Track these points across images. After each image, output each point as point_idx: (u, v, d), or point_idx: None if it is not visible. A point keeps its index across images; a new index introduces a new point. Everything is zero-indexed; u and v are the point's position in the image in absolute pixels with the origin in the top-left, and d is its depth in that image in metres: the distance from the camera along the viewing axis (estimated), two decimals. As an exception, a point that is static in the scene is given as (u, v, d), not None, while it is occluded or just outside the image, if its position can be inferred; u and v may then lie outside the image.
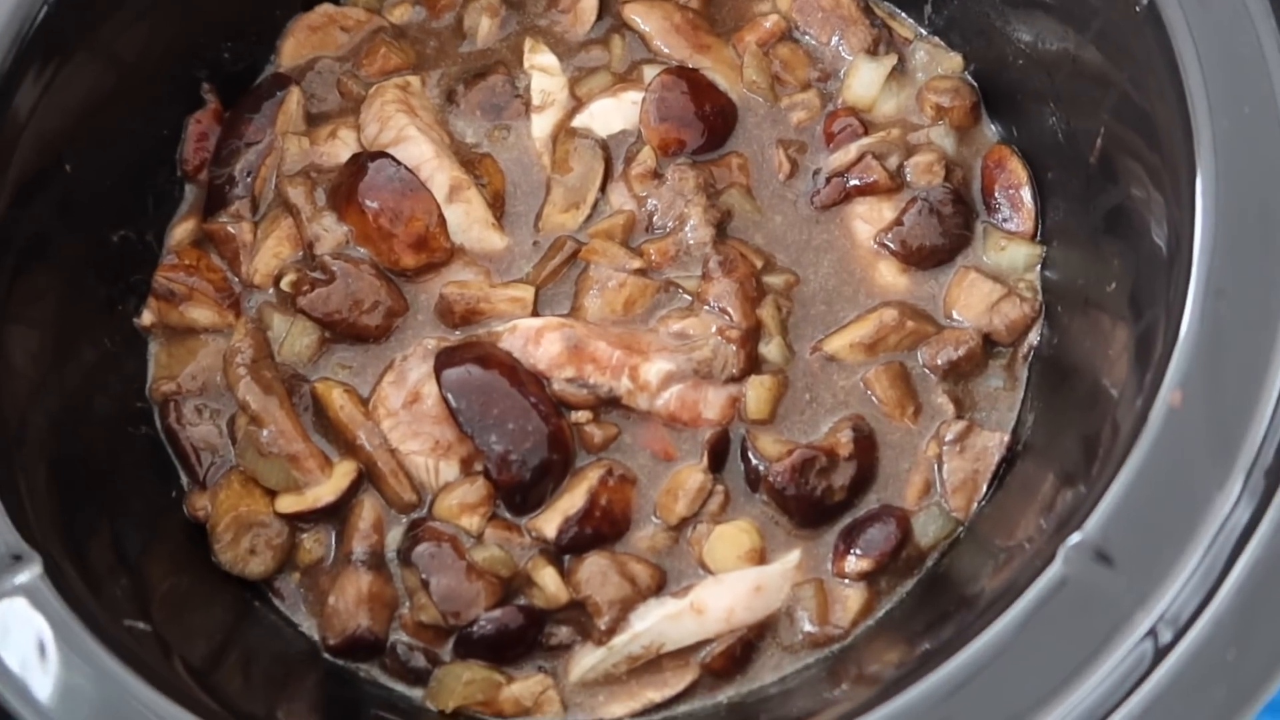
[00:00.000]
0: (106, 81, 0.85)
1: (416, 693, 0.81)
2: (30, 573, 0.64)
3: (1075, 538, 0.59)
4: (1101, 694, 0.55)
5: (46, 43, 0.78)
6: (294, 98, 0.95)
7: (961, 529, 0.83)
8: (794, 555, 0.83)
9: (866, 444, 0.85)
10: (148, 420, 0.88)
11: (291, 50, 0.99)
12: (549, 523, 0.82)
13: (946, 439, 0.84)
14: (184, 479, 0.87)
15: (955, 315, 0.89)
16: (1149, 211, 0.71)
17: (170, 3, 0.87)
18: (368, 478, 0.85)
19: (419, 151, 0.92)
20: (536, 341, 0.86)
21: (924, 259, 0.90)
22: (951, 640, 0.64)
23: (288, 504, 0.84)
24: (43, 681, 0.61)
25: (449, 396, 0.82)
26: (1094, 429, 0.73)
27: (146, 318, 0.90)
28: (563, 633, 0.82)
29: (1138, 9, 0.71)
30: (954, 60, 0.95)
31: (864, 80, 0.95)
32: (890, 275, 0.91)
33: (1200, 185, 0.65)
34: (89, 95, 0.83)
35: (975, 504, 0.83)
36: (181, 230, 0.93)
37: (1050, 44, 0.84)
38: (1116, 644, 0.56)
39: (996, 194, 0.91)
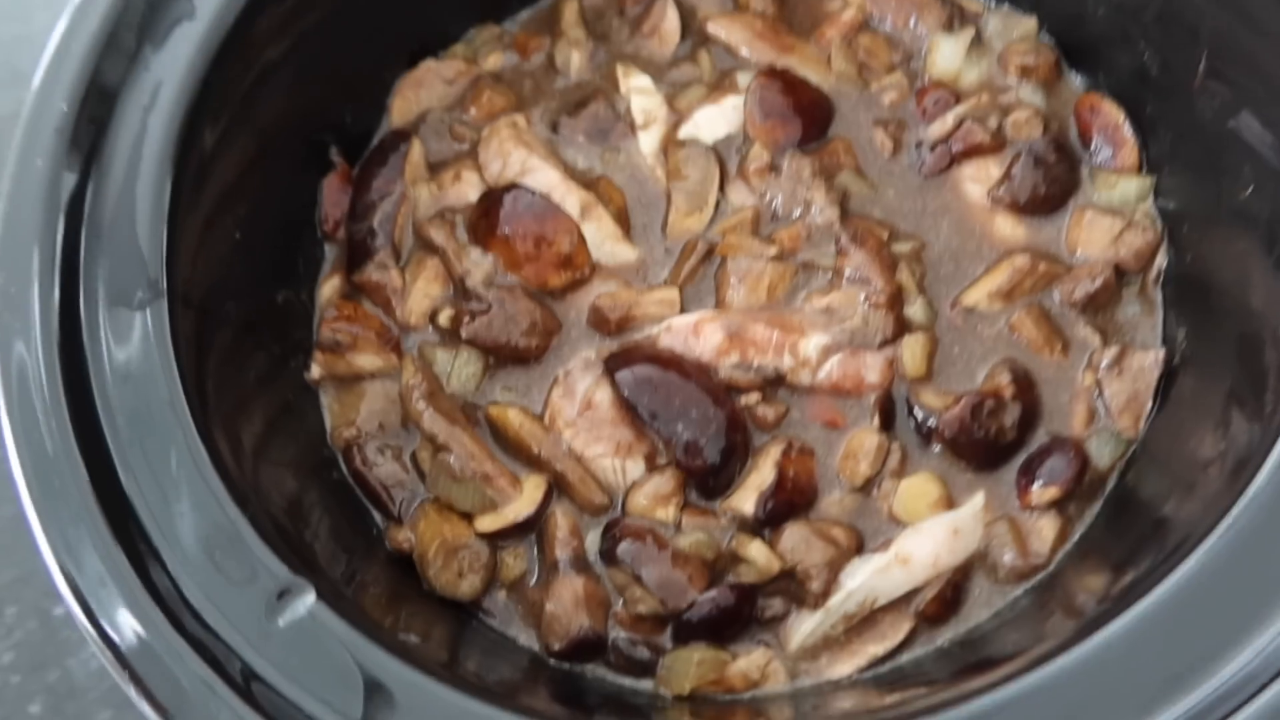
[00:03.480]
0: (255, 151, 0.89)
1: (644, 684, 0.83)
2: (309, 598, 0.66)
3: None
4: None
5: (211, 113, 0.82)
6: (416, 148, 1.00)
7: (1135, 446, 0.87)
8: (979, 497, 0.86)
9: (1026, 383, 0.88)
10: (336, 466, 0.91)
11: (401, 107, 1.04)
12: (745, 500, 0.85)
13: (1103, 365, 0.88)
14: (377, 517, 0.90)
15: (1080, 253, 0.94)
16: (1275, 110, 0.76)
17: (299, 72, 0.92)
18: (557, 488, 0.88)
19: (546, 179, 0.97)
20: (696, 334, 0.90)
21: (1038, 207, 0.95)
22: (1167, 557, 0.67)
23: (488, 523, 0.86)
24: (351, 696, 0.63)
25: (631, 396, 0.86)
26: (1253, 329, 0.77)
27: (315, 371, 0.93)
28: (775, 604, 0.84)
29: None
30: (1028, 24, 1.01)
31: (946, 55, 1.01)
32: (1008, 227, 0.96)
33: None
34: (245, 165, 0.88)
35: (1143, 421, 0.87)
36: (329, 288, 0.97)
37: (1134, -14, 0.89)
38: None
39: (1095, 136, 0.97)
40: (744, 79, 1.02)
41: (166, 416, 0.71)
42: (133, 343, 0.73)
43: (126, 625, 0.64)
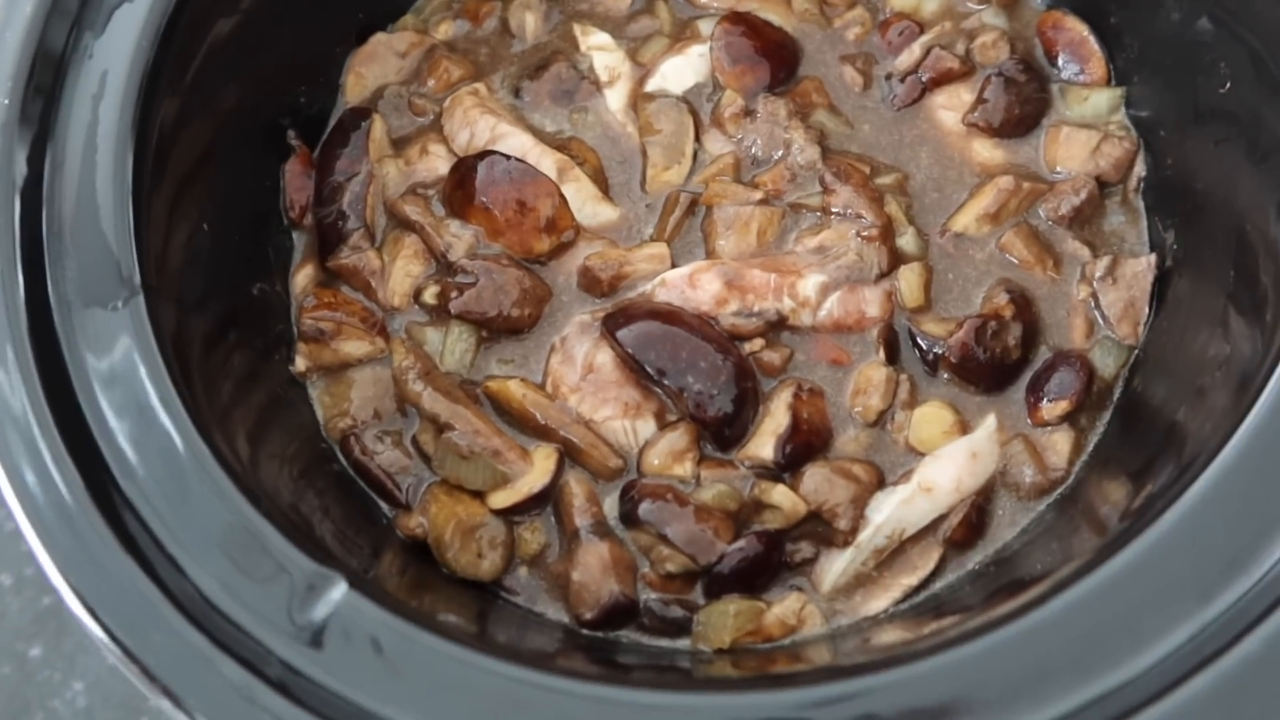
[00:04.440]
0: (212, 137, 0.84)
1: (681, 643, 0.82)
2: (340, 588, 0.63)
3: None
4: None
5: (163, 98, 0.78)
6: (378, 125, 0.96)
7: (1137, 352, 0.88)
8: (991, 419, 0.86)
9: (1023, 301, 0.89)
10: (334, 459, 0.87)
11: (355, 84, 1.00)
12: (763, 447, 0.84)
13: (1097, 276, 0.89)
14: (384, 506, 0.86)
15: (1059, 170, 0.94)
16: (1245, 6, 0.76)
17: (248, 51, 0.87)
18: (568, 456, 0.86)
19: (519, 143, 0.94)
20: (693, 286, 0.88)
21: (1013, 128, 0.95)
22: (1184, 469, 0.68)
23: (502, 499, 0.84)
24: (385, 681, 0.60)
25: (636, 353, 0.84)
26: (1243, 227, 0.78)
27: (300, 363, 0.89)
28: (804, 548, 0.83)
29: None
30: (982, -53, 1.01)
31: (904, -15, 1.01)
32: (986, 151, 0.96)
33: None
34: (203, 153, 0.83)
35: (1142, 327, 0.88)
36: (302, 276, 0.93)
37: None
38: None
39: (1061, 53, 0.97)
40: (705, 26, 1.00)
41: (161, 419, 0.67)
42: (114, 344, 0.69)
43: (154, 640, 0.60)
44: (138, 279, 0.71)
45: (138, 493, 0.65)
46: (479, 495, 0.84)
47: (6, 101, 0.73)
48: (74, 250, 0.71)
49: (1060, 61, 0.97)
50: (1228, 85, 0.80)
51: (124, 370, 0.68)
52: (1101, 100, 0.95)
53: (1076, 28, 0.97)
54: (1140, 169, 0.93)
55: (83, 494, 0.65)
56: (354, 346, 0.89)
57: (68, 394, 0.67)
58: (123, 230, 0.72)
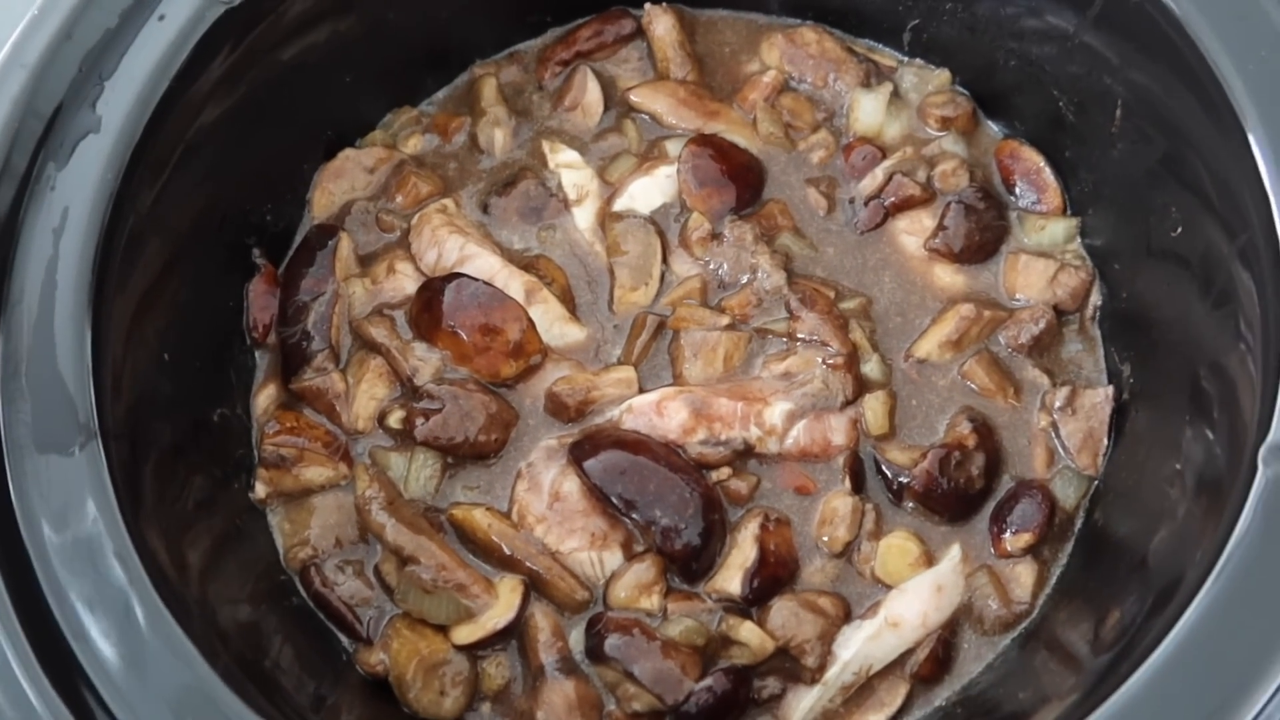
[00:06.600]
0: (175, 263, 0.83)
1: (649, 785, 0.80)
2: (300, 756, 0.61)
3: (1272, 439, 0.65)
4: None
5: (126, 231, 0.77)
6: (345, 243, 0.96)
7: (1097, 483, 0.89)
8: (955, 550, 0.87)
9: (985, 430, 0.90)
10: (293, 591, 0.85)
11: (322, 200, 1.00)
12: (730, 580, 0.83)
13: (1056, 406, 0.90)
14: (344, 639, 0.84)
15: (1019, 297, 0.96)
16: (1198, 154, 0.79)
17: (214, 174, 0.87)
18: (533, 587, 0.85)
19: (487, 264, 0.94)
20: (660, 413, 0.88)
21: (973, 254, 0.97)
22: (1155, 602, 0.68)
23: (465, 634, 0.82)
24: None
25: (603, 485, 0.83)
26: (1198, 364, 0.80)
27: (260, 490, 0.87)
28: (770, 684, 0.83)
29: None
30: (942, 76, 1.03)
31: (867, 111, 1.03)
32: (947, 276, 0.98)
33: (1248, 117, 0.74)
34: (166, 280, 0.82)
35: (1101, 458, 0.89)
36: (264, 397, 0.92)
37: (1045, 39, 0.92)
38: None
39: (1018, 181, 0.99)
40: (673, 147, 1.01)
41: (116, 572, 0.65)
42: (68, 492, 0.67)
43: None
44: (95, 424, 0.69)
45: (87, 653, 0.63)
46: (442, 629, 0.83)
47: (-36, 240, 0.72)
48: (30, 392, 0.70)
49: (1018, 190, 1.00)
50: (1179, 230, 0.83)
51: (77, 520, 0.66)
52: (1058, 229, 0.97)
53: (1032, 158, 0.99)
54: (1096, 298, 0.95)
55: (26, 652, 0.62)
56: (316, 473, 0.88)
57: (16, 544, 0.65)
58: (81, 371, 0.71)
